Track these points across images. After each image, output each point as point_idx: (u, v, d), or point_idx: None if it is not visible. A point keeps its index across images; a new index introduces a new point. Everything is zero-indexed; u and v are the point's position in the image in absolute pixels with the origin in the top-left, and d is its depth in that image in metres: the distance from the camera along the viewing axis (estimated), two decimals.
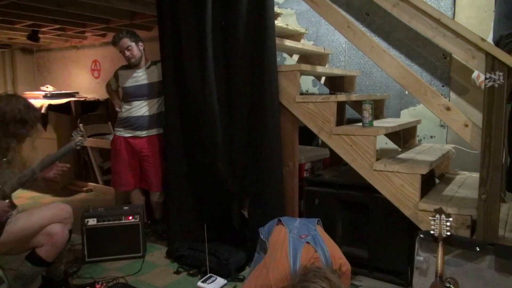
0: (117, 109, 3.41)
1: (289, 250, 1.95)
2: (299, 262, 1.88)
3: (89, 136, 4.85)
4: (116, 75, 3.39)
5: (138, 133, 3.28)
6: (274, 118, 2.64)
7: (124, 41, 3.16)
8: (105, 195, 4.68)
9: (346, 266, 1.93)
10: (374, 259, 2.56)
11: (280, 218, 2.26)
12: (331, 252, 1.96)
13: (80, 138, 2.35)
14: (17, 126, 2.11)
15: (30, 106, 2.19)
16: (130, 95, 3.28)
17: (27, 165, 2.23)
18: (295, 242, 1.99)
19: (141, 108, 3.26)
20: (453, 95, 3.17)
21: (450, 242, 1.89)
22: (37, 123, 2.22)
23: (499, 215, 1.93)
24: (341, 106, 3.34)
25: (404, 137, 3.16)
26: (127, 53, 3.19)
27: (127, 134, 3.30)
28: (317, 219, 2.25)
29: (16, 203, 2.21)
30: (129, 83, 3.27)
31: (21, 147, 2.20)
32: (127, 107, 3.30)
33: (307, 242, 1.99)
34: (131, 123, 3.28)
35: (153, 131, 3.29)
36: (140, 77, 3.27)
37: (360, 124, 2.56)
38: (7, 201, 2.07)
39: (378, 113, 3.25)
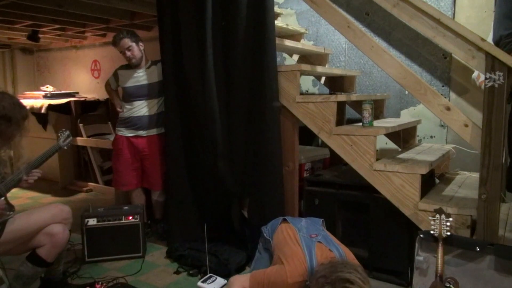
0: (118, 109, 3.41)
1: (303, 247, 1.94)
2: (316, 260, 1.87)
3: (89, 136, 4.86)
4: (116, 75, 3.39)
5: (140, 132, 3.28)
6: (274, 118, 2.64)
7: (124, 42, 3.16)
8: (105, 195, 4.68)
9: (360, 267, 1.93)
10: (374, 259, 2.56)
11: (285, 217, 2.26)
12: (345, 252, 1.96)
13: (68, 139, 2.35)
14: (0, 123, 2.06)
15: (16, 104, 2.13)
16: (131, 95, 3.28)
17: (15, 164, 2.21)
18: (307, 241, 1.98)
19: (142, 108, 3.27)
20: (453, 95, 3.17)
21: (450, 242, 1.89)
22: (23, 122, 2.16)
23: (499, 215, 1.93)
24: (341, 106, 3.34)
25: (404, 137, 3.16)
26: (128, 53, 3.18)
27: (129, 133, 3.31)
28: (322, 219, 2.24)
29: (15, 203, 2.21)
30: (130, 83, 3.28)
31: (9, 145, 2.17)
32: (128, 107, 3.30)
33: (319, 242, 1.98)
34: (133, 123, 3.28)
35: (154, 131, 3.30)
36: (141, 77, 3.27)
37: (360, 124, 2.56)
38: (2, 198, 2.07)
39: (378, 113, 3.25)
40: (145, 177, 3.37)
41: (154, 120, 3.29)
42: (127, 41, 3.17)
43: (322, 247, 1.95)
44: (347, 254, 1.95)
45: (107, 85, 3.51)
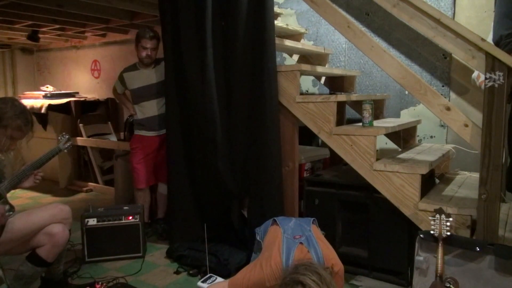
0: (132, 112, 3.44)
1: (282, 250, 1.94)
2: (292, 261, 1.88)
3: (89, 136, 4.87)
4: (121, 79, 3.40)
5: (162, 131, 3.32)
6: (273, 118, 2.64)
7: (153, 42, 3.21)
8: (105, 195, 4.68)
9: (338, 266, 1.91)
10: (374, 259, 2.56)
11: (275, 218, 2.25)
12: (323, 252, 1.95)
13: (68, 142, 2.41)
14: (13, 130, 2.10)
15: (24, 109, 2.18)
16: (143, 96, 3.32)
17: (15, 164, 2.24)
18: (289, 242, 1.99)
19: (159, 107, 3.30)
20: (453, 95, 3.17)
21: (450, 242, 1.89)
22: (32, 127, 2.21)
23: (499, 215, 1.93)
24: (341, 106, 3.34)
25: (404, 137, 3.16)
26: (149, 53, 3.20)
27: (151, 133, 3.36)
28: (313, 218, 2.23)
29: (15, 203, 2.21)
30: (139, 84, 3.31)
31: (15, 146, 2.20)
32: (142, 108, 3.35)
33: (301, 243, 1.98)
34: (153, 123, 3.33)
35: None
36: (148, 77, 3.30)
37: (360, 124, 2.56)
38: (2, 200, 2.08)
39: (378, 113, 3.25)
40: (155, 170, 3.41)
41: None
42: (155, 43, 3.21)
43: (302, 249, 1.95)
44: (326, 254, 1.94)
45: (114, 91, 3.55)
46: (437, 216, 1.91)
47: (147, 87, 3.29)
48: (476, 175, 2.31)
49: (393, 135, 3.19)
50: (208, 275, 2.52)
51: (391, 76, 2.28)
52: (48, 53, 6.28)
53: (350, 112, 3.55)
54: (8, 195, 2.16)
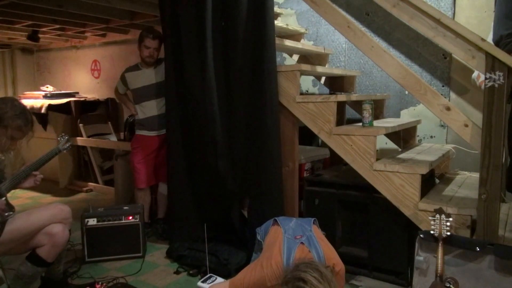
0: (134, 112, 3.45)
1: (283, 250, 1.95)
2: (293, 261, 1.88)
3: (89, 136, 4.87)
4: (123, 79, 3.41)
5: (162, 131, 3.32)
6: (273, 118, 2.64)
7: (156, 42, 3.22)
8: (105, 195, 4.68)
9: (340, 266, 1.92)
10: (374, 259, 2.56)
11: (276, 218, 2.25)
12: (325, 252, 1.95)
13: (68, 143, 2.43)
14: (13, 130, 2.11)
15: (24, 110, 2.18)
16: (143, 96, 3.32)
17: (14, 164, 2.25)
18: (290, 242, 1.99)
19: (161, 107, 3.30)
20: (453, 95, 3.17)
21: (450, 242, 1.89)
22: (32, 127, 2.22)
23: (499, 215, 1.93)
24: (341, 106, 3.34)
25: (404, 137, 3.16)
26: (151, 52, 3.22)
27: (152, 133, 3.36)
28: (313, 218, 2.23)
29: (15, 203, 2.22)
30: (141, 83, 3.31)
31: (15, 146, 2.21)
32: (143, 108, 3.35)
33: (302, 243, 1.98)
34: (153, 123, 3.33)
35: None
36: (149, 76, 3.30)
37: (360, 124, 2.56)
38: (3, 199, 2.08)
39: (378, 113, 3.25)
40: (156, 170, 3.41)
41: None
42: (158, 43, 3.23)
43: (303, 249, 1.95)
44: (327, 254, 1.93)
45: (116, 92, 3.55)
46: (437, 216, 1.91)
47: (148, 86, 3.30)
48: (476, 175, 2.31)
49: (393, 135, 3.19)
50: (208, 275, 2.52)
51: (391, 76, 2.28)
52: (48, 53, 6.28)
53: (350, 112, 3.55)
54: (8, 195, 2.16)
